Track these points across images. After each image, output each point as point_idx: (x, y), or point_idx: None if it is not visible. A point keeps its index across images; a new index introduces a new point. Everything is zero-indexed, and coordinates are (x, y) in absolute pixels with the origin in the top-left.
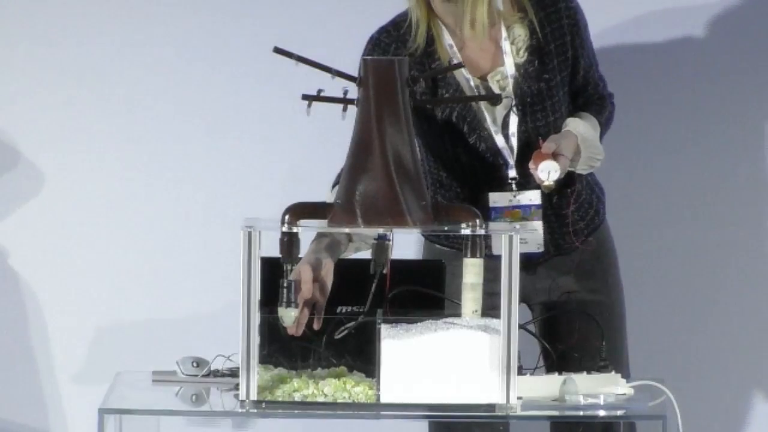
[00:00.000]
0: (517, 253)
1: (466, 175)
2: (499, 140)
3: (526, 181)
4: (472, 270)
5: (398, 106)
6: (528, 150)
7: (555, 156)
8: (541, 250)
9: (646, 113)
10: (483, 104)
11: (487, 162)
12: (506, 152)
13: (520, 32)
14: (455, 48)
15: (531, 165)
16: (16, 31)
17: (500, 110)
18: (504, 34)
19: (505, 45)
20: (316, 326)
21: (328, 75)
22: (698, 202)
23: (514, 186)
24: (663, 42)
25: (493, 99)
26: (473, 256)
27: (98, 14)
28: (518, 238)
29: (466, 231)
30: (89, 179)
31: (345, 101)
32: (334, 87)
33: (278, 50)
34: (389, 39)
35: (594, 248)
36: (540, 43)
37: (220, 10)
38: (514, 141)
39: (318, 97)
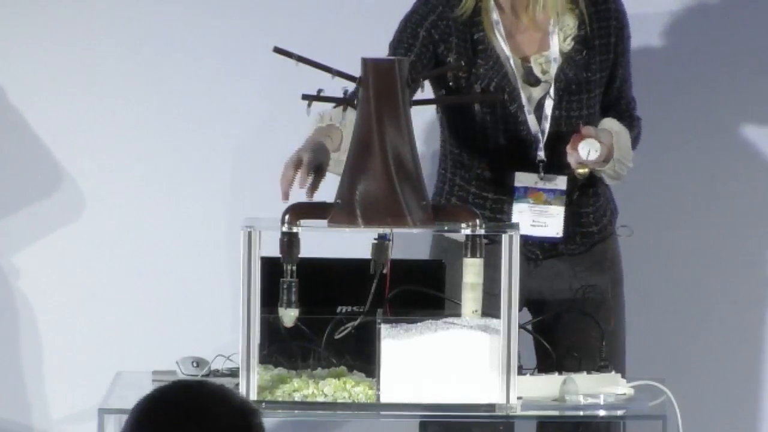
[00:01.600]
0: (518, 253)
1: (490, 153)
2: (531, 120)
3: (553, 166)
4: (472, 270)
5: (398, 106)
6: (557, 137)
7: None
8: (560, 236)
9: (646, 116)
10: (520, 83)
11: (516, 139)
12: (538, 134)
13: (569, 22)
14: (501, 25)
15: (569, 148)
16: (12, 32)
17: (537, 92)
18: (553, 20)
19: (554, 30)
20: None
21: (328, 75)
22: (697, 201)
23: (541, 169)
24: (662, 42)
25: (493, 99)
26: (473, 256)
27: (97, 14)
28: (518, 238)
29: (466, 231)
30: (87, 178)
31: (345, 101)
32: (334, 87)
33: (278, 50)
34: (438, 0)
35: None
36: (587, 36)
37: (221, 10)
38: (546, 125)
39: (318, 97)
